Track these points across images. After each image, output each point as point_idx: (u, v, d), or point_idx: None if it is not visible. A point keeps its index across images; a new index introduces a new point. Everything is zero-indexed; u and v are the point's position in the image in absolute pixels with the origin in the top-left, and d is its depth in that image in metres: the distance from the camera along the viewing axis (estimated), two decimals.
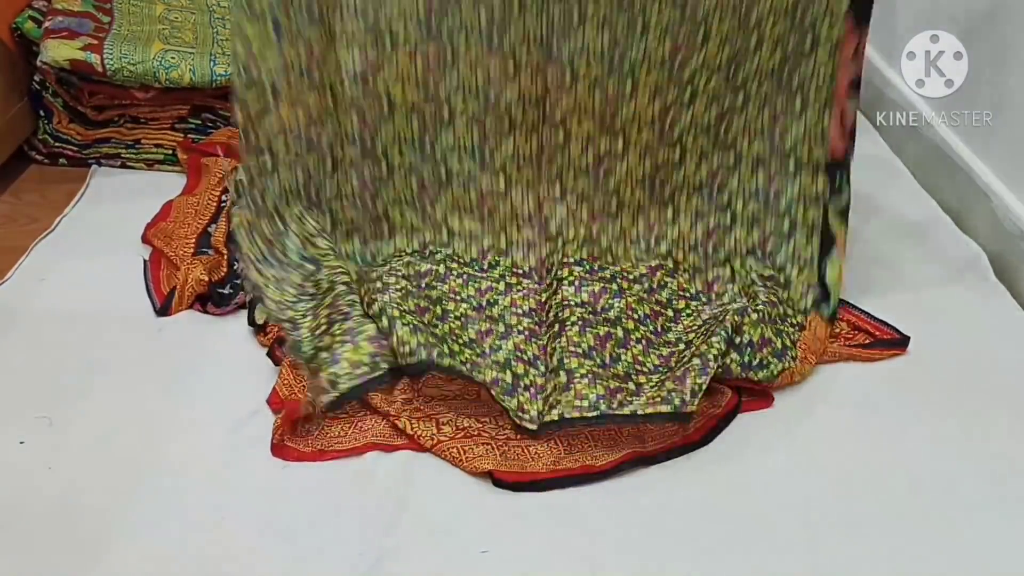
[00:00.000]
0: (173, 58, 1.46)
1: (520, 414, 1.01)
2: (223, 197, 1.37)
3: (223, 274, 1.21)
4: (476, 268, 1.22)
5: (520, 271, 1.22)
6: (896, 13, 1.72)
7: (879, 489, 0.95)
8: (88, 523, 0.89)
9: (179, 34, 1.53)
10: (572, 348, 1.07)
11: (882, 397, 1.07)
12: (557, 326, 1.11)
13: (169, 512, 0.90)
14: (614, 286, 1.19)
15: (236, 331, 1.14)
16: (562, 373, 1.03)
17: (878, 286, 1.24)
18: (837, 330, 1.16)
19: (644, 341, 1.13)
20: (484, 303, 1.17)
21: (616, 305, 1.16)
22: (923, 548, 0.89)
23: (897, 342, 1.14)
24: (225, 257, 1.24)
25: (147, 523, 0.89)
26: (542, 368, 1.07)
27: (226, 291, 1.19)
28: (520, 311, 1.16)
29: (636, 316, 1.16)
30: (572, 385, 1.01)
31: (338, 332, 1.02)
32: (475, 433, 1.00)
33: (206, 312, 1.17)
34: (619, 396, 1.01)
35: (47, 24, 1.46)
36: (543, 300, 1.18)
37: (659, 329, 1.15)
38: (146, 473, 0.94)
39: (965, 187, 1.42)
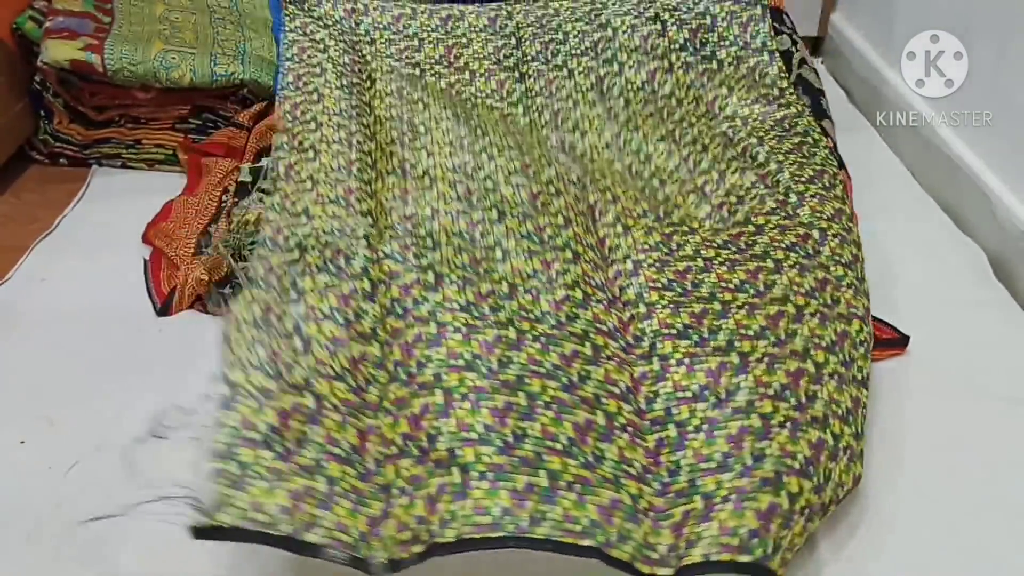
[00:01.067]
0: (174, 58, 1.46)
1: (647, 551, 0.75)
2: (223, 197, 1.37)
3: (223, 274, 1.21)
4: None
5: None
6: (896, 13, 1.72)
7: (879, 489, 0.95)
8: (88, 523, 0.88)
9: (180, 34, 1.53)
10: (700, 460, 0.82)
11: (882, 397, 1.07)
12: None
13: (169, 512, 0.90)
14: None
15: None
16: (696, 497, 0.79)
17: (878, 286, 1.23)
18: None
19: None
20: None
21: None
22: (924, 548, 0.89)
23: (897, 342, 1.14)
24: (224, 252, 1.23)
25: (147, 523, 0.88)
26: (657, 485, 0.82)
27: (227, 291, 1.19)
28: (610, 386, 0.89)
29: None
30: (713, 514, 0.77)
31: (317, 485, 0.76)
32: None
33: (207, 312, 1.17)
34: (774, 527, 0.77)
35: (47, 24, 1.46)
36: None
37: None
38: (146, 473, 0.94)
39: (965, 187, 1.42)
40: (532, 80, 1.43)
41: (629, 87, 1.41)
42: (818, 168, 1.24)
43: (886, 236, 1.38)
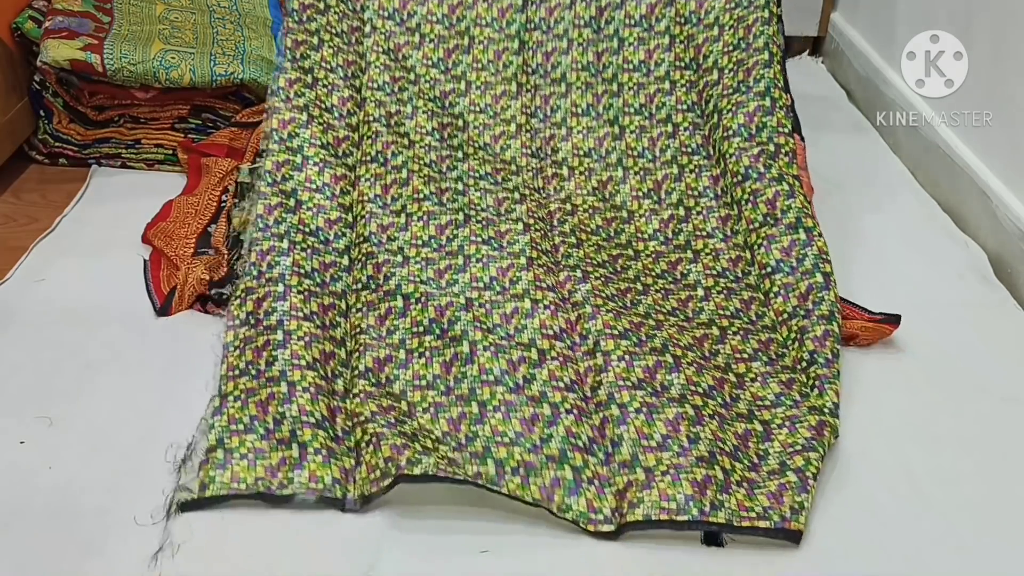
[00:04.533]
0: (173, 58, 1.46)
1: (591, 515, 0.89)
2: (223, 197, 1.37)
3: (223, 274, 1.21)
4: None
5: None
6: (896, 13, 1.72)
7: (878, 488, 0.95)
8: (88, 523, 0.89)
9: (179, 34, 1.53)
10: (642, 437, 0.94)
11: (881, 396, 1.07)
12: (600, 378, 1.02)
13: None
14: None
15: None
16: (638, 469, 0.91)
17: (877, 286, 1.24)
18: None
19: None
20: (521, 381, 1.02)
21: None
22: (923, 547, 0.89)
23: (889, 319, 1.13)
24: (225, 257, 1.24)
25: (147, 523, 0.89)
26: (602, 455, 0.95)
27: (226, 291, 1.19)
28: (561, 383, 1.01)
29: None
30: (654, 483, 0.89)
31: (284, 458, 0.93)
32: None
33: (206, 312, 1.17)
34: (709, 493, 0.89)
35: (47, 24, 1.46)
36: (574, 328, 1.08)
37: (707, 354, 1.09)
38: (146, 473, 0.94)
39: (965, 187, 1.42)
40: (530, 96, 1.44)
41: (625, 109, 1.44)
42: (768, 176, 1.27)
43: (886, 236, 1.38)
